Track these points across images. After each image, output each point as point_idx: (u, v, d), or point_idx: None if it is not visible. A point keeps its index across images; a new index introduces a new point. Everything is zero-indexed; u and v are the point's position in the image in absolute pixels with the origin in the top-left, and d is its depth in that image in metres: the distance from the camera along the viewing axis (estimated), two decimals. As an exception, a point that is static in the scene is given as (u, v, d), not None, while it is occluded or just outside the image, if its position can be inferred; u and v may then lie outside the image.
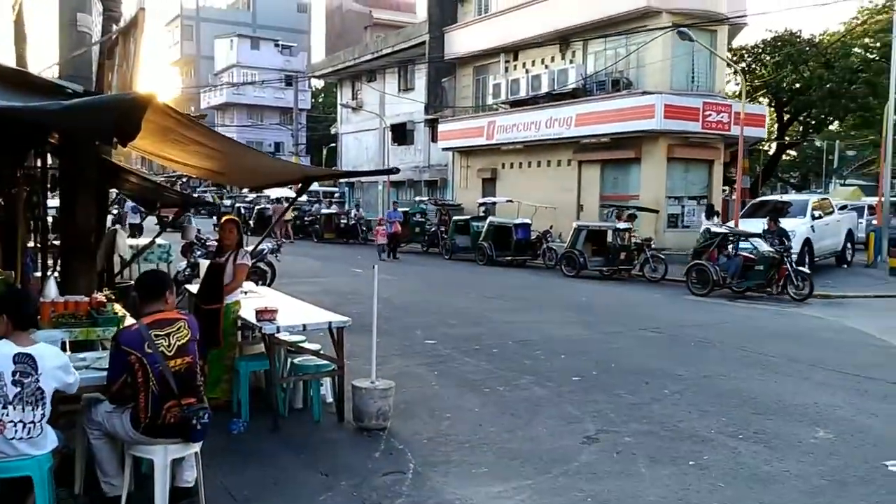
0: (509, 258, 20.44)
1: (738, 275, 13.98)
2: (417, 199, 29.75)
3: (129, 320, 5.17)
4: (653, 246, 17.63)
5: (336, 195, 39.90)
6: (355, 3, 48.56)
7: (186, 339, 4.13)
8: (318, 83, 59.72)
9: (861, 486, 4.79)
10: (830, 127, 40.71)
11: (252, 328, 6.36)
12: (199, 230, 14.26)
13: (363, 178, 37.94)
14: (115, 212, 18.26)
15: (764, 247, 13.98)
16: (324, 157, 49.47)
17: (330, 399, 6.41)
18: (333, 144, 43.71)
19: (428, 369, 7.86)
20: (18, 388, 3.65)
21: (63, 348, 4.82)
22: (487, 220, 21.38)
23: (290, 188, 21.49)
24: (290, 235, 26.92)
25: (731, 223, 17.08)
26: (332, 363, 6.08)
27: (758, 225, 15.50)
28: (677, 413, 6.34)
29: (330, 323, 6.00)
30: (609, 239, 17.82)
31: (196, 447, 4.17)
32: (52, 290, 5.92)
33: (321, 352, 6.35)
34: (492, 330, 10.34)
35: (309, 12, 71.54)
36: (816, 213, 18.03)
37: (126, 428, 4.07)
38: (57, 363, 3.82)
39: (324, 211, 30.92)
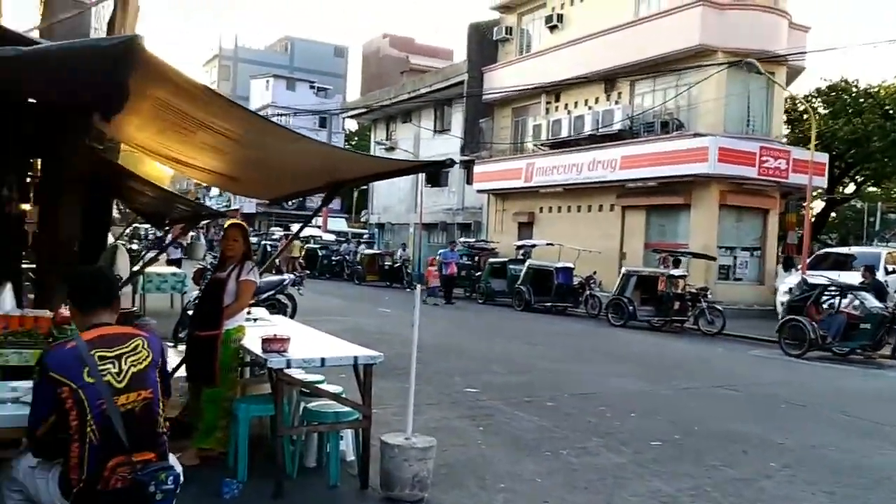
0: (549, 304, 18.94)
1: (841, 335, 11.99)
2: (462, 240, 27.97)
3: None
4: (709, 296, 16.06)
5: (366, 236, 38.86)
6: (393, 48, 48.33)
7: (145, 363, 2.82)
8: (353, 125, 59.42)
9: None
10: (870, 189, 38.75)
11: (257, 363, 5.05)
12: (212, 253, 13.00)
13: (393, 221, 36.94)
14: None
15: (872, 302, 11.96)
16: (354, 198, 48.69)
17: (351, 457, 5.03)
18: (365, 187, 42.89)
19: (472, 424, 6.44)
20: None
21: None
22: (527, 263, 19.94)
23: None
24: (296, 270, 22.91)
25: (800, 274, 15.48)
26: (357, 411, 4.69)
27: (854, 277, 13.71)
28: (797, 494, 4.86)
29: (356, 358, 4.65)
30: (661, 287, 16.24)
31: (153, 526, 2.83)
32: (6, 300, 4.68)
33: (343, 395, 4.98)
34: (542, 379, 8.90)
35: (346, 57, 71.93)
36: (890, 268, 16.40)
37: (52, 493, 2.79)
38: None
39: (367, 251, 29.32)
